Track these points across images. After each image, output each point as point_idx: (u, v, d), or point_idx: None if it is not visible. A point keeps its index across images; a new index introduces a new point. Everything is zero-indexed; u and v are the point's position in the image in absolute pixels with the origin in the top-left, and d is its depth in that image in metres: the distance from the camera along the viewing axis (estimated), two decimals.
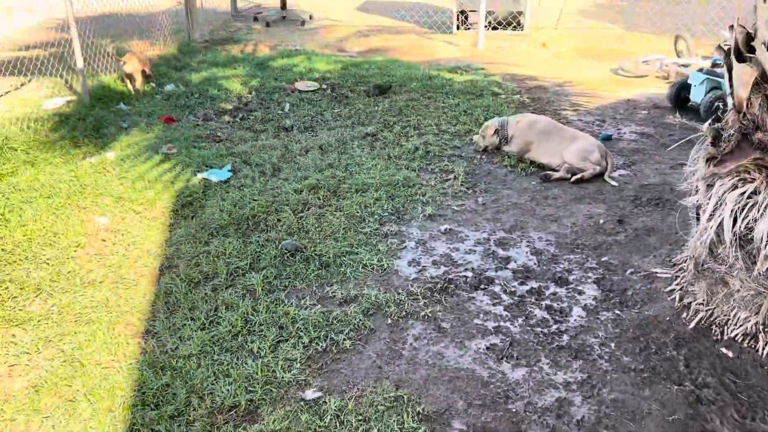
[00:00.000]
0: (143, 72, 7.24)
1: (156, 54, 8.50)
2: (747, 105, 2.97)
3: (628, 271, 3.78)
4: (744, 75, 2.92)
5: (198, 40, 9.66)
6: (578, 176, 4.96)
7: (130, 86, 7.11)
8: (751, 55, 2.96)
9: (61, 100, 6.57)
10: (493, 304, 3.51)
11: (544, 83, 7.74)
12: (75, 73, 6.73)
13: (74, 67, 6.62)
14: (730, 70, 3.11)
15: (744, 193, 2.97)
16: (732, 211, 3.00)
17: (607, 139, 5.85)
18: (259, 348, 3.14)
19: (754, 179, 2.95)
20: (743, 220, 2.96)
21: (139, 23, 9.23)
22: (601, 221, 4.37)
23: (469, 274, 3.78)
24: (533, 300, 3.54)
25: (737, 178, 3.04)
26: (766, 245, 2.88)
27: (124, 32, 9.00)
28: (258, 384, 2.91)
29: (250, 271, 3.79)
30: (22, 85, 7.04)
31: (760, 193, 2.92)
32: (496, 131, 5.50)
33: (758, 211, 2.90)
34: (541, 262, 3.91)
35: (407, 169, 5.19)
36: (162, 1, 10.28)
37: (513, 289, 3.64)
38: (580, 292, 3.60)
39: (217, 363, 3.05)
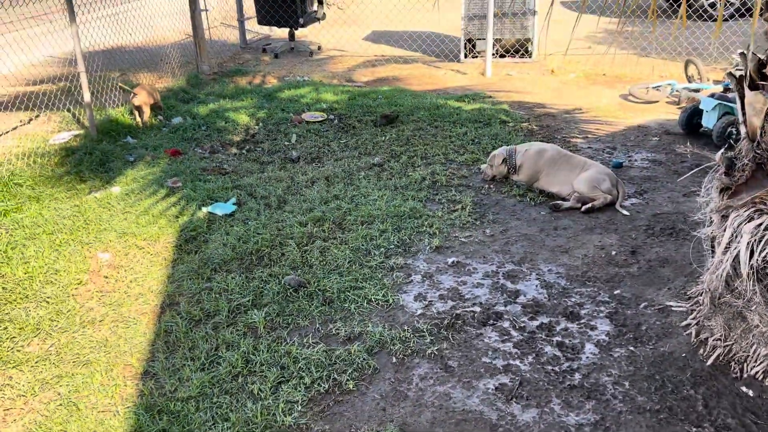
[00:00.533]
0: (153, 105, 7.26)
1: (164, 87, 8.54)
2: (761, 134, 2.88)
3: (642, 305, 3.66)
4: (757, 103, 2.83)
5: (206, 73, 9.70)
6: (589, 206, 4.86)
7: (138, 119, 7.12)
8: (764, 83, 2.88)
9: (68, 134, 6.58)
10: (502, 341, 3.39)
11: (552, 111, 7.67)
12: (82, 107, 6.75)
13: (82, 101, 6.63)
14: (742, 98, 3.02)
15: (761, 224, 2.86)
16: (748, 243, 2.89)
17: (617, 166, 5.75)
18: (259, 390, 3.04)
19: None
20: (760, 252, 2.85)
21: (148, 56, 9.29)
22: (613, 252, 4.26)
23: (477, 309, 3.67)
24: (544, 336, 3.43)
25: (753, 209, 2.93)
26: None
27: (132, 66, 9.05)
28: (258, 428, 2.81)
29: (252, 308, 3.71)
30: (30, 120, 7.06)
31: None
32: (504, 160, 5.42)
33: None
34: (552, 296, 3.79)
35: (414, 199, 5.11)
36: (170, 34, 10.35)
37: (523, 325, 3.52)
38: (593, 328, 3.48)
39: (216, 406, 2.96)
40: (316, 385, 3.07)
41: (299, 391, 3.03)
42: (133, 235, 4.63)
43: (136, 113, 7.12)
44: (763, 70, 2.86)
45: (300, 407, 2.93)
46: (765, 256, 2.83)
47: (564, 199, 5.04)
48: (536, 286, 3.92)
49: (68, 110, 7.17)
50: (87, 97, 6.49)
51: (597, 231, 4.58)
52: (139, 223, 4.81)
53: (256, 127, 7.23)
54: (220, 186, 5.45)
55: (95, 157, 6.06)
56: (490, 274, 4.06)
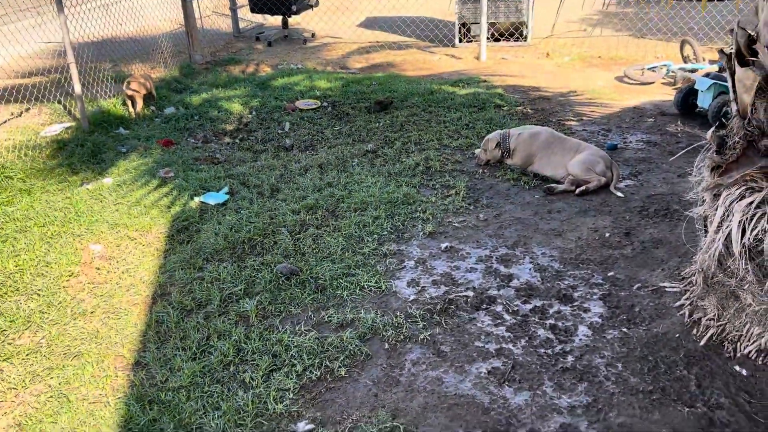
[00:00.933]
0: (146, 94, 7.22)
1: (157, 77, 8.48)
2: (751, 111, 2.84)
3: (636, 286, 3.64)
4: (747, 79, 2.79)
5: (199, 62, 9.64)
6: (583, 188, 4.83)
7: (131, 109, 7.08)
8: (754, 59, 2.84)
9: (59, 126, 6.54)
10: (495, 325, 3.37)
11: (547, 94, 7.62)
12: (73, 98, 6.70)
13: (72, 93, 6.59)
14: (732, 75, 2.99)
15: (752, 202, 2.83)
16: (740, 222, 2.86)
17: (612, 148, 5.72)
18: (251, 378, 3.03)
19: (762, 188, 2.81)
20: (752, 231, 2.82)
21: (140, 47, 9.23)
22: (607, 234, 4.23)
23: (470, 293, 3.65)
24: (537, 319, 3.41)
25: (744, 187, 2.90)
26: None
27: (124, 57, 8.99)
28: (248, 417, 2.79)
29: (244, 296, 3.69)
30: (21, 113, 7.02)
31: None
32: (498, 144, 5.38)
33: (767, 222, 2.76)
34: (545, 279, 3.77)
35: (407, 186, 5.08)
36: (162, 24, 10.28)
37: (516, 309, 3.50)
38: (586, 310, 3.46)
39: (207, 395, 2.94)
40: (308, 373, 3.05)
41: (291, 378, 3.01)
42: (125, 226, 4.61)
43: (129, 103, 7.08)
44: (753, 46, 2.82)
45: (291, 395, 2.92)
46: (757, 235, 2.81)
47: (558, 182, 5.00)
48: (530, 269, 3.89)
49: (59, 102, 7.12)
50: (78, 88, 6.45)
51: (591, 213, 4.55)
52: (131, 214, 4.78)
53: (249, 115, 7.19)
54: (212, 175, 5.42)
55: (87, 148, 6.03)
56: (483, 259, 4.04)
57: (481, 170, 5.42)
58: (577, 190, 4.83)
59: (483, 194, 4.95)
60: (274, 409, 2.83)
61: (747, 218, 2.84)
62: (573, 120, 6.60)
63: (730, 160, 2.92)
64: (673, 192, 4.77)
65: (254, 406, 2.85)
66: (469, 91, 7.68)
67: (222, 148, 6.23)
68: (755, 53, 2.82)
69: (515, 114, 6.83)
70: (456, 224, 4.49)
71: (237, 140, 6.45)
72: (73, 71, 6.37)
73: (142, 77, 7.33)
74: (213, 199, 4.97)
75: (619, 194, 4.79)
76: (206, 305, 3.64)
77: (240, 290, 3.75)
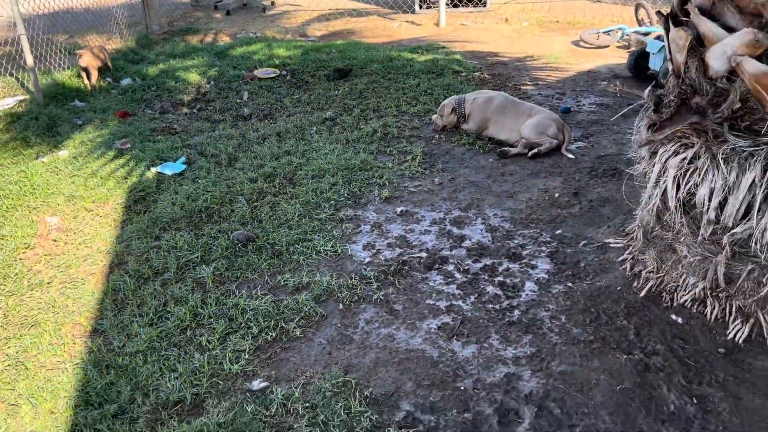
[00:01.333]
0: (101, 66, 7.12)
1: (113, 48, 8.35)
2: (684, 69, 2.94)
3: (582, 243, 3.77)
4: (679, 39, 2.89)
5: (156, 32, 9.50)
6: (535, 151, 4.93)
7: (86, 81, 6.99)
8: (687, 19, 2.93)
9: (12, 100, 6.44)
10: (446, 284, 3.48)
11: (505, 59, 7.70)
12: (27, 71, 6.59)
13: (25, 65, 6.47)
14: (668, 34, 3.08)
15: (685, 158, 2.95)
16: (675, 177, 2.99)
17: (566, 111, 5.83)
18: (207, 341, 3.09)
19: (694, 144, 2.93)
20: (686, 185, 2.95)
21: (95, 18, 9.05)
22: (557, 195, 4.35)
23: (424, 254, 3.75)
24: (486, 277, 3.52)
25: (678, 144, 3.02)
26: (707, 210, 2.87)
27: (79, 28, 8.82)
28: (204, 377, 2.86)
29: (201, 264, 3.74)
30: None
31: (699, 158, 2.90)
32: (454, 110, 5.46)
33: (699, 176, 2.89)
34: (496, 239, 3.88)
35: (365, 152, 5.13)
36: None
37: (467, 268, 3.61)
38: (533, 267, 3.59)
39: (163, 358, 3.01)
40: (263, 334, 3.13)
41: (247, 340, 3.09)
42: (82, 198, 4.60)
43: (84, 75, 6.98)
44: (685, 7, 2.91)
45: (247, 355, 2.99)
46: (690, 189, 2.93)
47: (512, 146, 5.10)
48: (481, 230, 4.00)
49: (11, 75, 6.99)
50: (30, 61, 6.34)
51: (542, 175, 4.66)
52: (88, 186, 4.77)
53: (207, 85, 7.15)
54: (169, 146, 5.41)
55: (42, 121, 5.96)
56: (437, 221, 4.13)
57: (437, 136, 5.50)
58: (530, 153, 4.94)
59: (439, 159, 5.03)
60: (230, 369, 2.91)
61: (681, 173, 2.97)
62: (529, 84, 6.69)
63: (665, 118, 3.02)
64: (621, 153, 4.91)
65: (210, 367, 2.92)
66: (428, 58, 7.72)
67: (179, 118, 6.20)
68: (688, 13, 2.91)
69: (473, 80, 6.90)
70: (412, 189, 4.57)
71: (195, 110, 6.42)
72: (24, 43, 6.25)
73: (97, 48, 7.22)
74: (170, 169, 4.97)
75: (570, 156, 4.91)
76: (163, 273, 3.68)
77: (197, 257, 3.79)
